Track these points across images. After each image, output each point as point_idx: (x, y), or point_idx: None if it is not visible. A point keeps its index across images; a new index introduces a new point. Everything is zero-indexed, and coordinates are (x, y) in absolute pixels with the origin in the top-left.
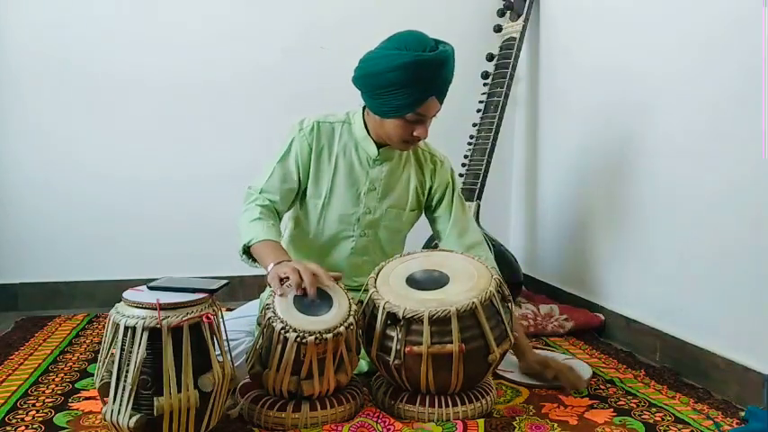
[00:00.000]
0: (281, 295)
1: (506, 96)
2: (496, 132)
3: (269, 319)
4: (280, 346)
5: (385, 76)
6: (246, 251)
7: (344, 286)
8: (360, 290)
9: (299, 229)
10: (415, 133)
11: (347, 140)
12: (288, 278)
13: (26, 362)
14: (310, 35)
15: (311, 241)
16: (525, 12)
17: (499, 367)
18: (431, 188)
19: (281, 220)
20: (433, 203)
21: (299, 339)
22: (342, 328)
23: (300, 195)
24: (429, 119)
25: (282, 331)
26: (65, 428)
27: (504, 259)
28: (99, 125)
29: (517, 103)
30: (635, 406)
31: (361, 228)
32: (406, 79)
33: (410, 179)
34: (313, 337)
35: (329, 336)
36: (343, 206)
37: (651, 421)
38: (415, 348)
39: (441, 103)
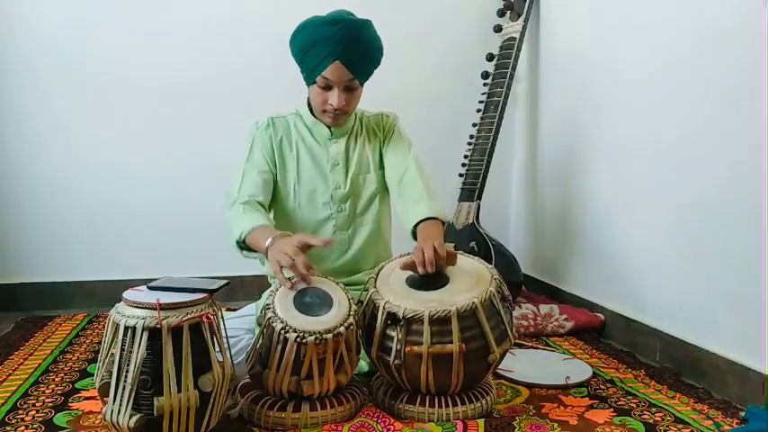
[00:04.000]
0: (275, 295)
1: (506, 96)
2: (496, 132)
3: (269, 319)
4: (280, 347)
5: (300, 37)
6: (244, 247)
7: (338, 282)
8: (353, 266)
9: (283, 221)
10: (328, 101)
11: (301, 128)
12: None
13: (26, 362)
14: None
15: (295, 231)
16: (525, 12)
17: (499, 367)
18: (384, 139)
19: (267, 210)
20: (384, 148)
21: (299, 339)
22: (342, 329)
23: (275, 188)
24: (340, 88)
25: (282, 331)
26: (65, 428)
27: (504, 259)
28: (99, 125)
29: (517, 103)
30: (635, 406)
31: (337, 204)
32: (312, 39)
33: (365, 145)
34: (313, 338)
35: (329, 336)
36: (313, 188)
37: (651, 421)
38: (416, 348)
39: (353, 74)
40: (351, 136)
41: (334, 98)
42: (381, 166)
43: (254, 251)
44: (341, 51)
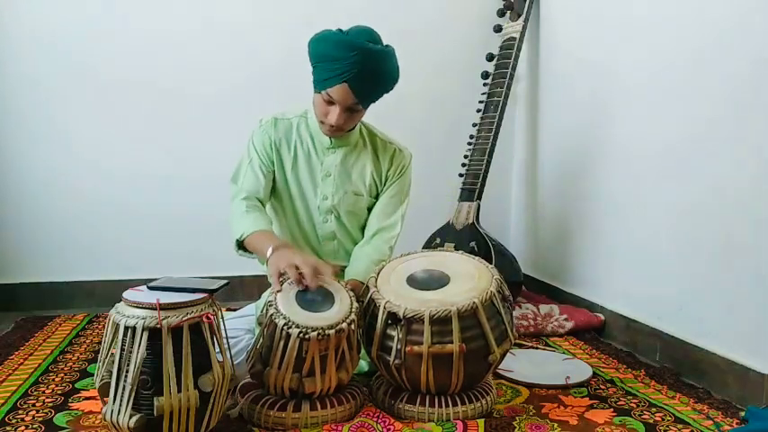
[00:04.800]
0: (278, 292)
1: (506, 96)
2: (496, 132)
3: (271, 315)
4: (282, 343)
5: (317, 47)
6: (241, 246)
7: (339, 280)
8: (342, 273)
9: (279, 220)
10: (328, 116)
11: (303, 132)
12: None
13: (26, 362)
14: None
15: (289, 231)
16: (525, 12)
17: (499, 367)
18: (387, 174)
19: (264, 206)
20: (384, 189)
21: (301, 335)
22: (344, 325)
23: (273, 184)
24: (342, 107)
25: (285, 327)
26: (65, 428)
27: (504, 259)
28: (100, 126)
29: (517, 103)
30: (635, 406)
31: (323, 214)
32: (327, 55)
33: (366, 165)
34: (316, 333)
35: (332, 332)
36: (305, 194)
37: (651, 421)
38: (416, 348)
39: (358, 100)
40: (351, 150)
41: (334, 116)
42: (375, 194)
43: (250, 252)
44: (351, 77)
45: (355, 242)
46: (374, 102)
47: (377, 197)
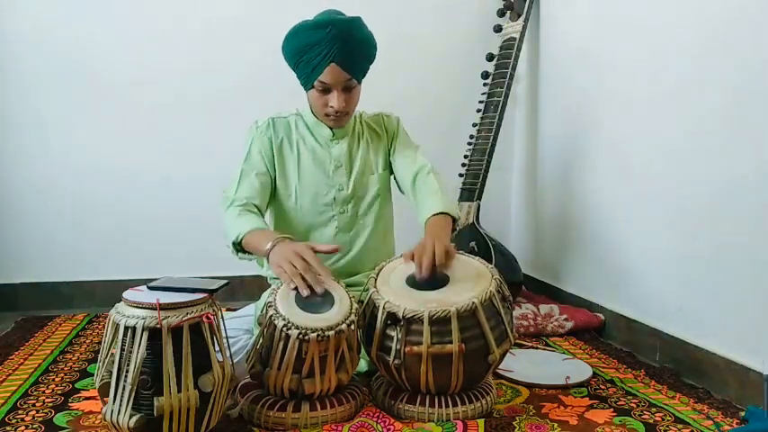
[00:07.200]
0: (277, 292)
1: (506, 96)
2: (496, 132)
3: (270, 316)
4: (281, 344)
5: (292, 44)
6: (239, 249)
7: (338, 280)
8: (355, 267)
9: (283, 223)
10: (329, 104)
11: (303, 129)
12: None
13: (26, 362)
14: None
15: (295, 232)
16: (525, 12)
17: (499, 367)
18: (389, 140)
19: (263, 215)
20: (391, 151)
21: (301, 336)
22: (344, 326)
23: (273, 191)
24: (338, 89)
25: (284, 328)
26: (65, 428)
27: (504, 259)
28: (99, 125)
29: (517, 103)
30: (635, 406)
31: (339, 205)
32: (304, 45)
33: (369, 145)
34: (315, 335)
35: (331, 333)
36: (316, 189)
37: (651, 421)
38: (415, 348)
39: (350, 75)
40: (353, 137)
41: (335, 100)
42: (385, 168)
43: (249, 253)
44: (335, 54)
45: (371, 230)
46: (364, 74)
47: (387, 169)
